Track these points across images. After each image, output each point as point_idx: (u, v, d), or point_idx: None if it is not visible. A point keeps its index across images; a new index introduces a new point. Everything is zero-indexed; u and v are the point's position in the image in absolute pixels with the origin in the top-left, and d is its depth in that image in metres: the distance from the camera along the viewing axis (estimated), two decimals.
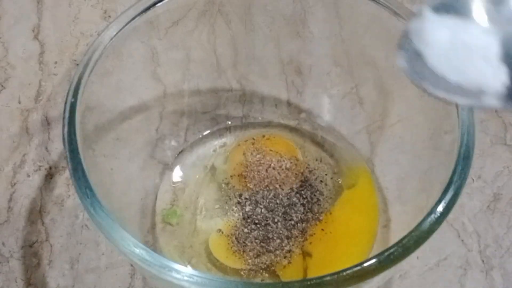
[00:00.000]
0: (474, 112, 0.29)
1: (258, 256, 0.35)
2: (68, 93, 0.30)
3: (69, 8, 0.49)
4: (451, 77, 0.21)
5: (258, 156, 0.38)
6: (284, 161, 0.38)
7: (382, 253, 0.25)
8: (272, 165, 0.38)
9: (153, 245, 0.37)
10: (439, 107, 0.31)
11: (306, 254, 0.35)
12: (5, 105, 0.44)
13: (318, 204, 0.37)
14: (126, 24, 0.32)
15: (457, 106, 0.29)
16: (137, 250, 0.26)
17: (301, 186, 0.38)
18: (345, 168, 0.39)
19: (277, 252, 0.35)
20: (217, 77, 0.41)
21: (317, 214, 0.37)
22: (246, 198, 0.37)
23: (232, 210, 0.37)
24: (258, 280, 0.35)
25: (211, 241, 0.36)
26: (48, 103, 0.44)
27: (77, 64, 0.31)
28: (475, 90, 0.20)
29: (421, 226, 0.26)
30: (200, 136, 0.41)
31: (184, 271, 0.25)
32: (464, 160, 0.27)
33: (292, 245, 0.35)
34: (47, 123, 0.43)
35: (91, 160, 0.29)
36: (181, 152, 0.41)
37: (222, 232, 0.36)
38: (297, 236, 0.36)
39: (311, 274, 0.35)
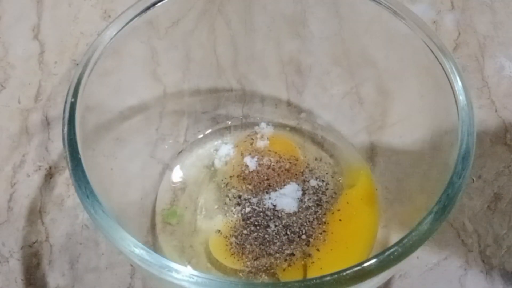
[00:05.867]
0: (474, 112, 0.29)
1: (257, 258, 0.35)
2: (68, 93, 0.30)
3: (69, 8, 0.49)
4: None
5: (257, 156, 0.38)
6: (284, 161, 0.38)
7: (382, 253, 0.25)
8: (272, 165, 0.38)
9: (153, 245, 0.37)
10: (439, 107, 0.31)
11: (306, 255, 0.35)
12: (5, 105, 0.44)
13: (319, 204, 0.37)
14: (126, 24, 0.32)
15: (457, 106, 0.29)
16: (137, 250, 0.26)
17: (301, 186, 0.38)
18: (345, 168, 0.39)
19: (277, 255, 0.35)
20: (217, 77, 0.41)
21: (318, 214, 0.37)
22: (245, 199, 0.37)
23: (231, 211, 0.37)
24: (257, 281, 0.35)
25: (210, 242, 0.36)
26: (48, 103, 0.44)
27: (77, 64, 0.31)
28: None
29: (421, 226, 0.26)
30: (200, 136, 0.41)
31: (184, 271, 0.25)
32: (464, 160, 0.27)
33: (293, 248, 0.35)
34: (47, 123, 0.43)
35: (91, 160, 0.29)
36: (181, 152, 0.40)
37: (221, 233, 0.36)
38: (297, 237, 0.36)
39: (311, 274, 0.35)
